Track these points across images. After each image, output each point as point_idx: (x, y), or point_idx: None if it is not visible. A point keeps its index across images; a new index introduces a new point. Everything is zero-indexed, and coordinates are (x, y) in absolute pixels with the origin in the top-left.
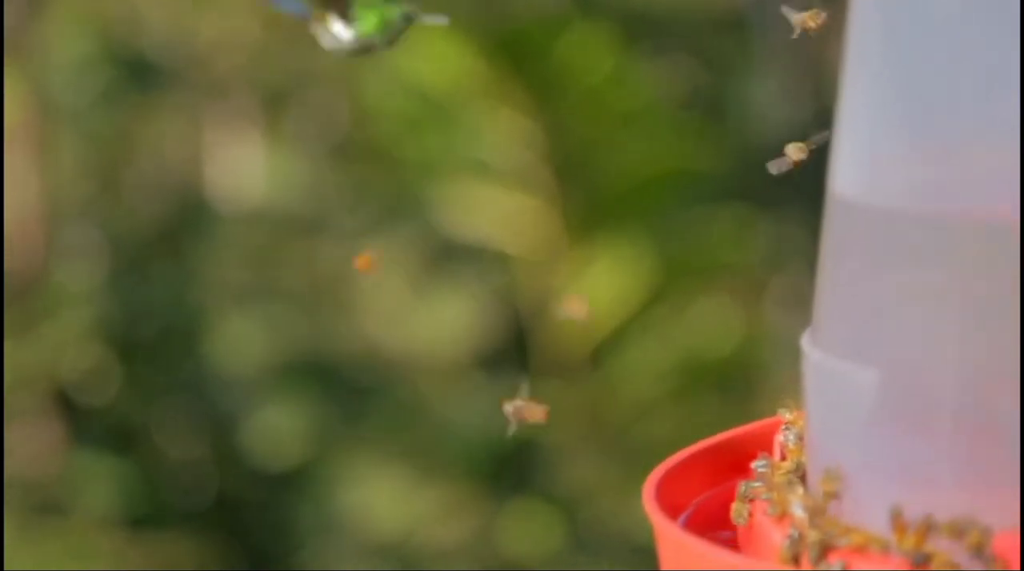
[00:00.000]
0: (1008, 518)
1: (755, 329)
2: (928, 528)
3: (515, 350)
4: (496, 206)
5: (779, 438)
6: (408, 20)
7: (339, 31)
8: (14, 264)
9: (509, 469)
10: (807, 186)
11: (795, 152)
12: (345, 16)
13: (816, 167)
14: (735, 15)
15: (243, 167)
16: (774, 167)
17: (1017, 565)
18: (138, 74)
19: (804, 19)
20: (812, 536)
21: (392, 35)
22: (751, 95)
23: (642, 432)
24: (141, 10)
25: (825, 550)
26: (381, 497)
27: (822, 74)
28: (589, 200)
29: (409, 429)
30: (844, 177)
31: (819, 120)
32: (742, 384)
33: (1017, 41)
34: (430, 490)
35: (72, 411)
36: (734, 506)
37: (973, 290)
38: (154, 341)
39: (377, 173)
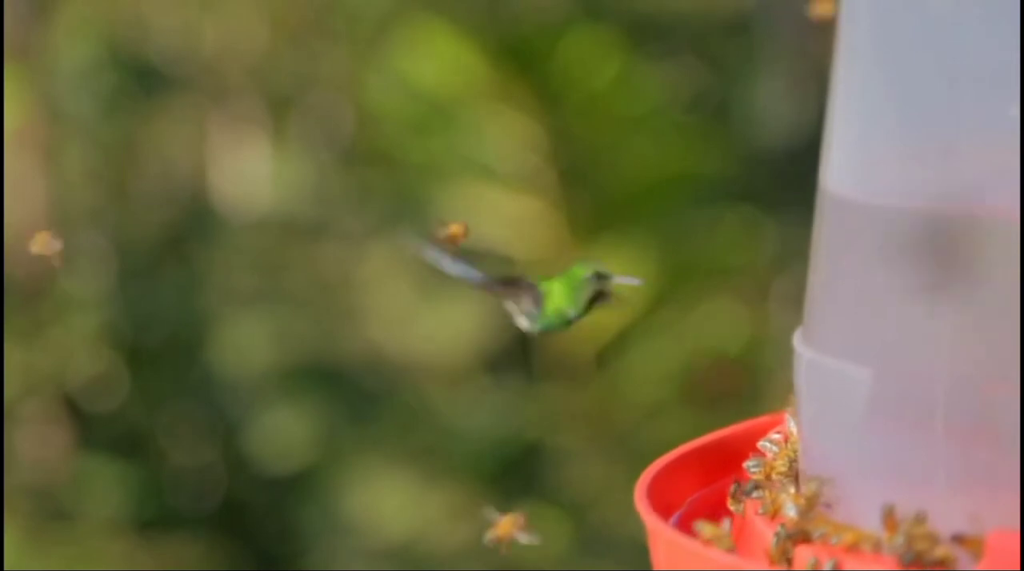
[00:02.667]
0: (1001, 516)
1: (761, 331)
2: (920, 526)
3: (520, 353)
4: (501, 209)
5: (773, 437)
6: (600, 279)
7: (522, 322)
8: (21, 270)
9: (515, 472)
10: (813, 188)
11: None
12: (535, 303)
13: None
14: (740, 18)
15: (249, 172)
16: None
17: (1010, 563)
18: (144, 79)
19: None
20: (792, 530)
21: (583, 300)
22: (756, 98)
23: (648, 435)
24: (147, 15)
25: (798, 542)
26: (387, 500)
27: (827, 77)
28: (594, 203)
29: (415, 432)
30: (837, 175)
31: (823, 123)
32: (747, 386)
33: (1013, 39)
34: (436, 493)
35: (79, 416)
36: (731, 504)
37: (968, 289)
38: (161, 346)
39: (382, 177)
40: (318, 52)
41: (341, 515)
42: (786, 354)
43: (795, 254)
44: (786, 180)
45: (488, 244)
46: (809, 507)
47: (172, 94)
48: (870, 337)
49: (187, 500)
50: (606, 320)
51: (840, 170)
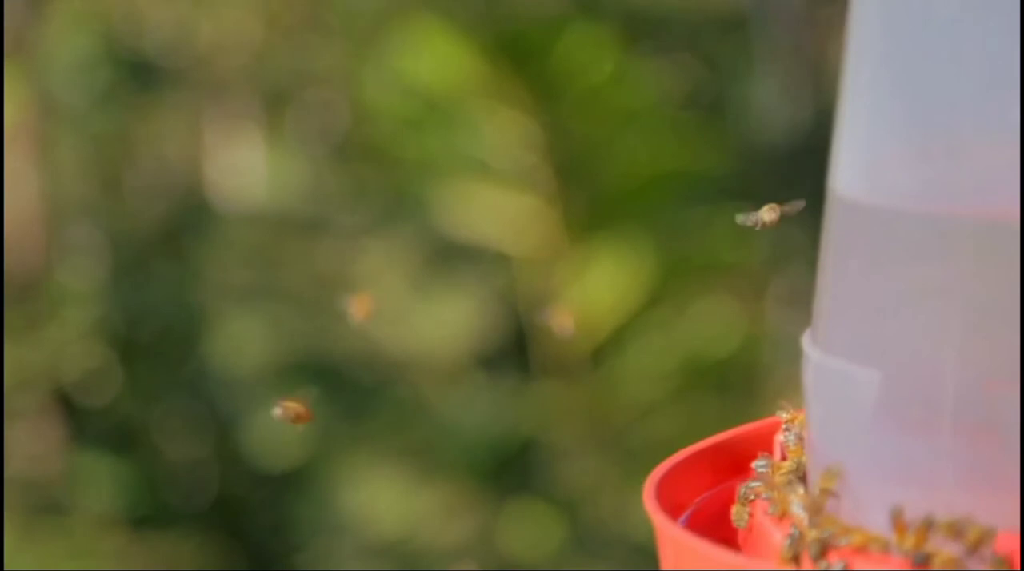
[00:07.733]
0: (1010, 518)
1: (756, 329)
2: (928, 528)
3: (515, 350)
4: (496, 206)
5: (779, 438)
6: None
7: None
8: (15, 264)
9: (509, 469)
10: (808, 186)
11: (767, 213)
12: None
13: (817, 167)
14: (736, 15)
15: (243, 167)
16: (743, 219)
17: (1019, 565)
18: (139, 74)
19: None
20: (812, 535)
21: None
22: (752, 95)
23: (642, 432)
24: (142, 10)
25: (825, 549)
26: (382, 497)
27: (823, 74)
28: (589, 200)
29: (409, 429)
30: (845, 176)
31: (819, 120)
32: (743, 384)
33: (1017, 38)
34: (430, 490)
35: (73, 411)
36: (734, 509)
37: (974, 289)
38: (155, 341)
39: (377, 173)
40: (314, 48)
41: (335, 511)
42: (782, 352)
43: (791, 252)
44: (782, 177)
45: (483, 241)
46: (817, 509)
47: (167, 89)
48: (878, 338)
49: (180, 496)
50: (602, 318)
51: (849, 171)
